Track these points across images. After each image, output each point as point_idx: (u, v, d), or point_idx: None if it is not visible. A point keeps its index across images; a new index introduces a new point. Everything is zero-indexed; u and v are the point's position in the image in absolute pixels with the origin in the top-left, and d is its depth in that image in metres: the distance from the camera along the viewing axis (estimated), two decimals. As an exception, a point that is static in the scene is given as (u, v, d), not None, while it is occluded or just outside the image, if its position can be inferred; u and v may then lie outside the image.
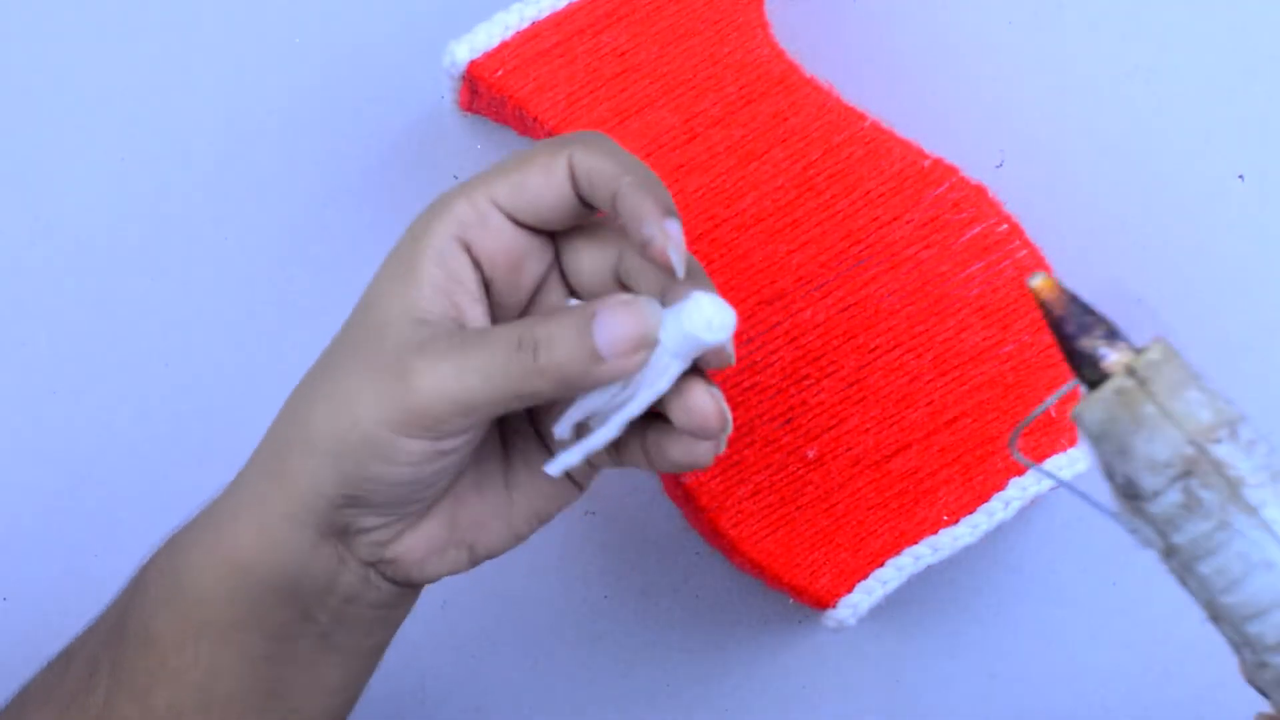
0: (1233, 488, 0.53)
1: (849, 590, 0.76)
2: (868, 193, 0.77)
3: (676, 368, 0.60)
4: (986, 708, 0.81)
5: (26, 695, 0.68)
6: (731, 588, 0.81)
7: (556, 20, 0.77)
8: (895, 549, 0.75)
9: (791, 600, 0.78)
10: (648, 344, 0.59)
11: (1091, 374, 0.55)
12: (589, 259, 0.63)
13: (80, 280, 0.83)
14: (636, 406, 0.60)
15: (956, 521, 0.75)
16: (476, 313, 0.62)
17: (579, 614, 0.81)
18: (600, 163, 0.60)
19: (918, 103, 0.82)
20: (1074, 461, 0.76)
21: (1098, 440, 0.55)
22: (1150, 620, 0.80)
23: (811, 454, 0.75)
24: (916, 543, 0.75)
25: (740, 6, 0.78)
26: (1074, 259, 0.79)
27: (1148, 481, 0.54)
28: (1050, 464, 0.76)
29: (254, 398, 0.82)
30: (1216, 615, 0.54)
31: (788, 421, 0.76)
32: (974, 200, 0.77)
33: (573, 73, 0.77)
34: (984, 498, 0.76)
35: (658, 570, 0.81)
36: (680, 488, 0.76)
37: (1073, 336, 0.55)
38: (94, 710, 0.65)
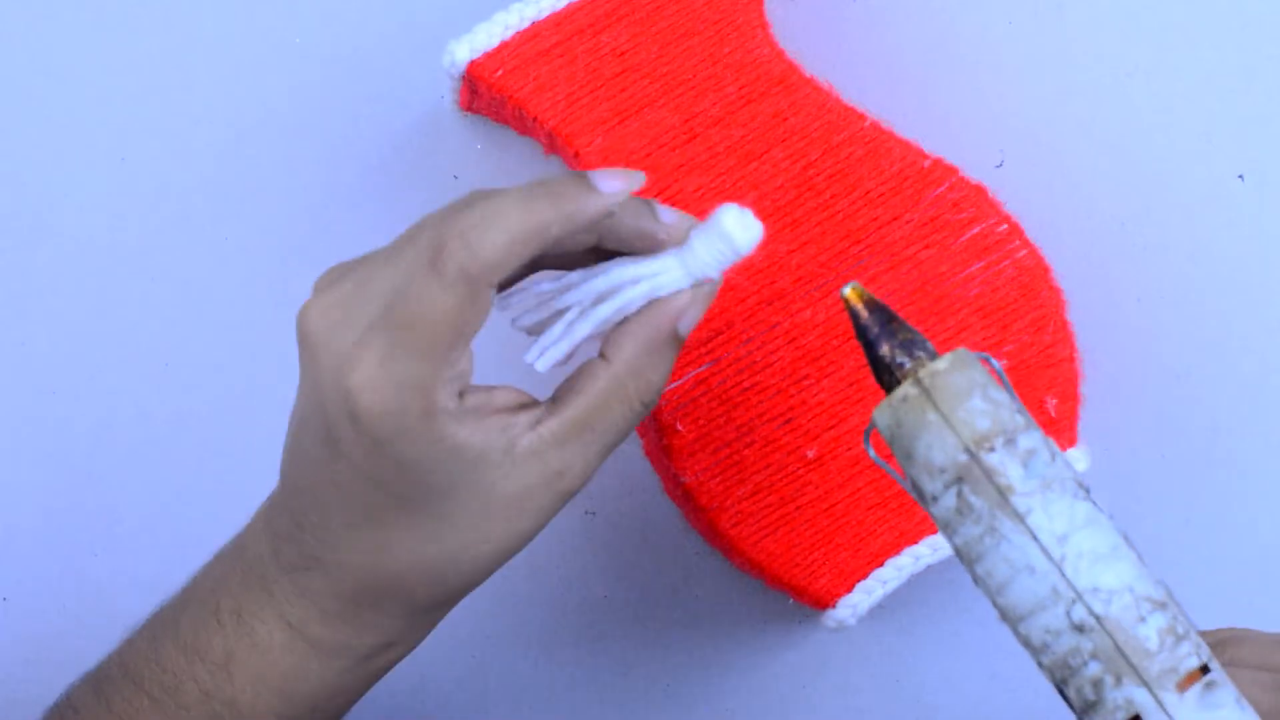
0: (1001, 495, 0.55)
1: (849, 590, 0.76)
2: (868, 193, 0.77)
3: (685, 282, 0.63)
4: (986, 708, 0.81)
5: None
6: (731, 588, 0.81)
7: (556, 20, 0.77)
8: (895, 549, 0.76)
9: (791, 600, 0.78)
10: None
11: (889, 381, 0.58)
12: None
13: (80, 280, 0.83)
14: (622, 300, 0.63)
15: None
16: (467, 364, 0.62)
17: (579, 614, 0.81)
18: (512, 240, 0.59)
19: (918, 103, 0.82)
20: (1074, 461, 0.76)
21: (890, 444, 0.57)
22: (1150, 620, 0.80)
23: (811, 454, 0.75)
24: (916, 543, 0.75)
25: (740, 6, 0.78)
26: (1074, 259, 0.79)
27: (927, 485, 0.56)
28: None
29: (254, 398, 0.82)
30: (1000, 616, 0.57)
31: (788, 421, 0.76)
32: (974, 200, 0.77)
33: (573, 73, 0.77)
34: (984, 498, 0.76)
35: (658, 570, 0.81)
36: (680, 488, 0.76)
37: (873, 344, 0.59)
38: None
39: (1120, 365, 0.81)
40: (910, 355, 0.58)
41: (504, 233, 0.58)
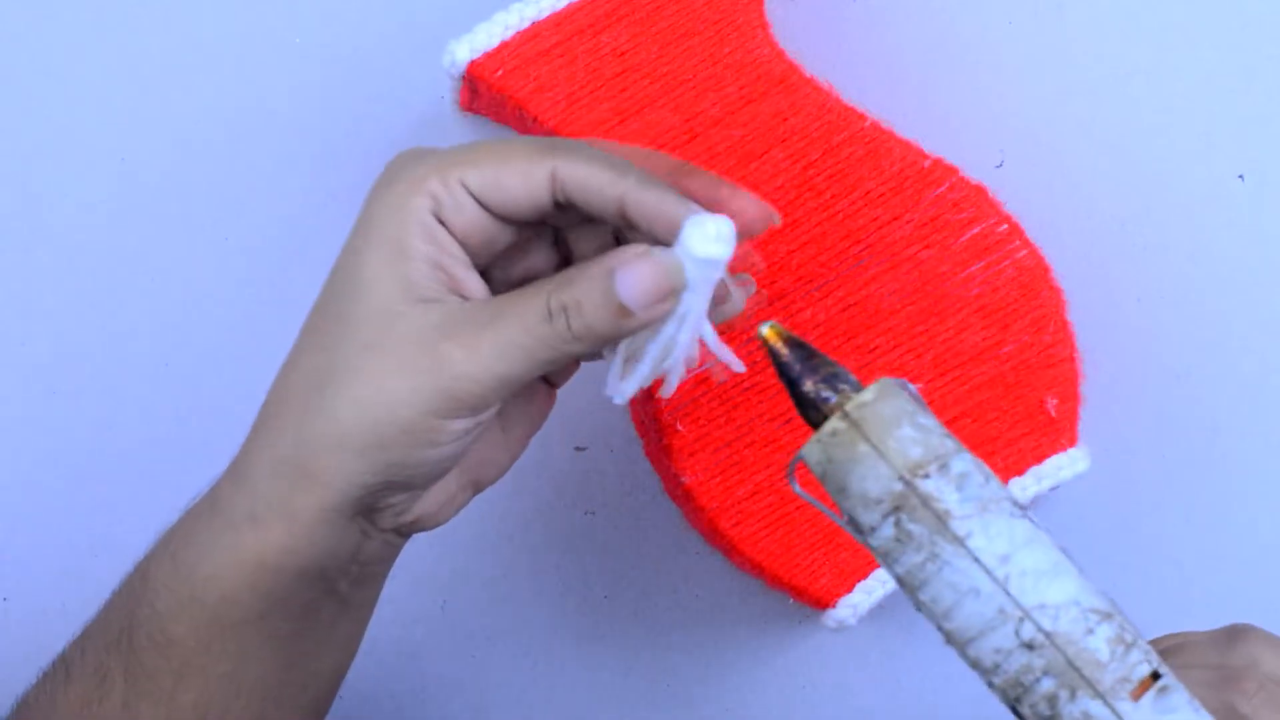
0: (940, 520, 0.55)
1: (849, 590, 0.76)
2: (868, 193, 0.77)
3: (698, 302, 0.61)
4: (986, 708, 0.81)
5: (27, 708, 0.67)
6: (731, 588, 0.81)
7: (556, 20, 0.77)
8: (895, 549, 0.76)
9: (791, 600, 0.78)
10: (675, 290, 0.60)
11: (816, 417, 0.58)
12: (584, 239, 0.63)
13: (80, 280, 0.83)
14: (678, 349, 0.62)
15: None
16: (473, 281, 0.62)
17: (579, 614, 0.81)
18: (592, 171, 0.60)
19: (918, 103, 0.82)
20: (1074, 461, 0.76)
21: (822, 480, 0.57)
22: (1150, 620, 0.80)
23: (811, 454, 0.76)
24: (916, 543, 0.75)
25: (740, 6, 0.78)
26: (1074, 259, 0.79)
27: (865, 517, 0.56)
28: (1050, 464, 0.76)
29: (254, 398, 0.82)
30: (947, 641, 0.57)
31: (788, 421, 0.76)
32: (974, 200, 0.77)
33: (573, 73, 0.77)
34: (984, 498, 0.76)
35: (658, 570, 0.81)
36: (680, 488, 0.76)
37: (796, 381, 0.58)
38: (111, 718, 0.64)
39: (1120, 365, 0.81)
40: (834, 389, 0.57)
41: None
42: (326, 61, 0.84)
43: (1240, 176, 0.82)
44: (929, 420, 0.56)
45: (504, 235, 0.62)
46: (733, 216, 0.60)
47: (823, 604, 0.76)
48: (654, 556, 0.81)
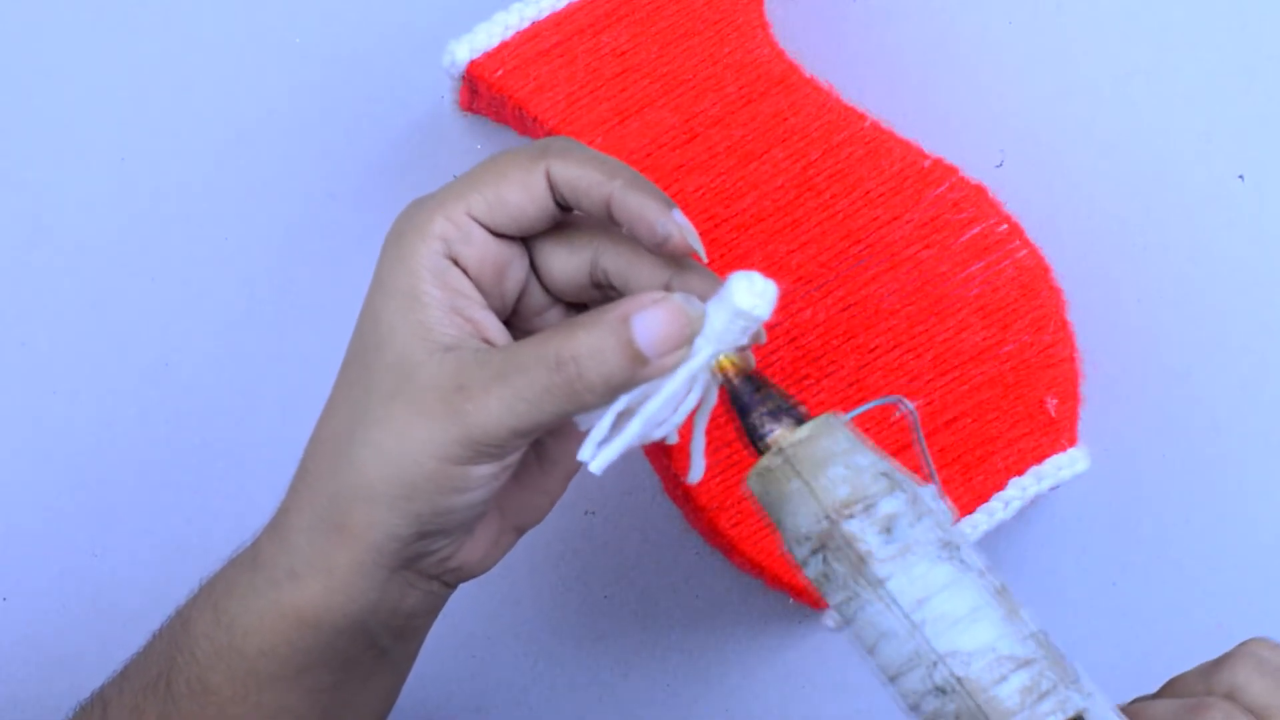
0: (861, 561, 0.56)
1: (849, 590, 0.76)
2: (868, 193, 0.77)
3: (710, 355, 0.60)
4: (986, 708, 0.81)
5: None
6: (731, 588, 0.81)
7: (556, 20, 0.77)
8: (895, 549, 0.76)
9: (791, 600, 0.78)
10: (691, 338, 0.59)
11: (760, 447, 0.58)
12: (560, 261, 0.63)
13: (80, 280, 0.83)
14: (681, 409, 0.61)
15: (956, 521, 0.75)
16: (491, 323, 0.62)
17: (579, 614, 0.81)
18: (583, 171, 0.60)
19: (918, 103, 0.82)
20: (1074, 461, 0.76)
21: (764, 509, 0.58)
22: (1150, 620, 0.80)
23: (811, 454, 0.76)
24: (916, 543, 0.75)
25: (740, 6, 0.78)
26: (1074, 259, 0.79)
27: (795, 551, 0.57)
28: (1050, 464, 0.76)
29: (254, 398, 0.82)
30: (877, 675, 0.57)
31: (788, 421, 0.76)
32: (974, 200, 0.77)
33: (573, 73, 0.77)
34: (984, 498, 0.76)
35: (658, 570, 0.81)
36: (680, 488, 0.76)
37: (743, 412, 0.59)
38: None
39: (1120, 365, 0.81)
40: (778, 422, 0.58)
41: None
42: (326, 62, 0.84)
43: (1240, 176, 0.82)
44: (865, 459, 0.57)
45: (516, 259, 0.62)
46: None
47: (822, 604, 0.76)
48: (654, 556, 0.81)
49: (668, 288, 0.61)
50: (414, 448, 0.59)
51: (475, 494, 0.61)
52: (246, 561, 0.64)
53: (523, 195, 0.61)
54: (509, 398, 0.59)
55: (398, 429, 0.60)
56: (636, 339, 0.59)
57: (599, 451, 0.60)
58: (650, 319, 0.59)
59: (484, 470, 0.60)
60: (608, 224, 0.62)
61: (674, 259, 0.61)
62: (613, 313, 0.59)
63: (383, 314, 0.61)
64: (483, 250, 0.61)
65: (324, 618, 0.62)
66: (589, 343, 0.59)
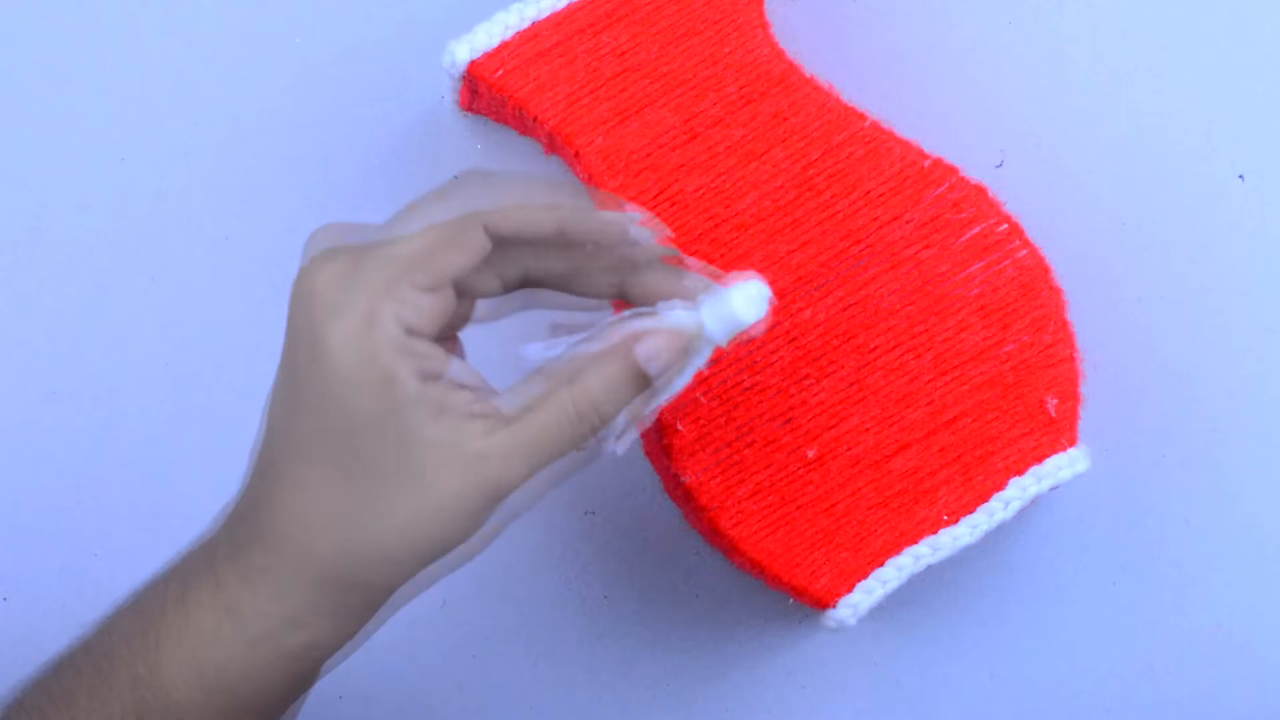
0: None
1: (849, 590, 0.76)
2: (868, 193, 0.77)
3: (710, 348, 0.65)
4: (986, 708, 0.81)
5: None
6: (731, 588, 0.81)
7: (556, 20, 0.77)
8: (895, 549, 0.76)
9: (791, 600, 0.78)
10: (689, 349, 0.64)
11: None
12: (491, 284, 0.65)
13: (80, 280, 0.83)
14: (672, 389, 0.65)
15: (956, 521, 0.75)
16: (463, 371, 0.63)
17: (579, 614, 0.81)
18: (523, 216, 0.63)
19: (918, 103, 0.82)
20: (1074, 461, 0.76)
21: None
22: (1150, 620, 0.80)
23: (811, 454, 0.75)
24: (916, 543, 0.75)
25: (740, 6, 0.78)
26: (1074, 259, 0.79)
27: None
28: (1050, 464, 0.76)
29: (254, 398, 0.82)
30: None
31: (788, 421, 0.76)
32: (974, 200, 0.77)
33: (573, 73, 0.77)
34: (984, 498, 0.76)
35: (658, 570, 0.81)
36: (680, 488, 0.76)
37: None
38: None
39: (1120, 365, 0.81)
40: None
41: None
42: (326, 61, 0.84)
43: (1240, 176, 0.82)
44: None
45: (452, 294, 0.63)
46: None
47: (823, 604, 0.76)
48: (654, 556, 0.81)
49: (623, 288, 0.65)
50: (433, 518, 0.61)
51: (488, 524, 0.64)
52: (209, 606, 0.63)
53: (461, 257, 0.62)
54: (533, 457, 0.62)
55: (413, 504, 0.61)
56: (645, 367, 0.63)
57: (625, 438, 0.64)
58: (654, 347, 0.63)
59: (495, 507, 0.63)
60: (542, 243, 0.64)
61: (629, 262, 0.64)
62: (612, 353, 0.63)
63: (358, 398, 0.61)
64: (431, 311, 0.62)
65: (324, 655, 0.64)
66: (602, 387, 0.62)
